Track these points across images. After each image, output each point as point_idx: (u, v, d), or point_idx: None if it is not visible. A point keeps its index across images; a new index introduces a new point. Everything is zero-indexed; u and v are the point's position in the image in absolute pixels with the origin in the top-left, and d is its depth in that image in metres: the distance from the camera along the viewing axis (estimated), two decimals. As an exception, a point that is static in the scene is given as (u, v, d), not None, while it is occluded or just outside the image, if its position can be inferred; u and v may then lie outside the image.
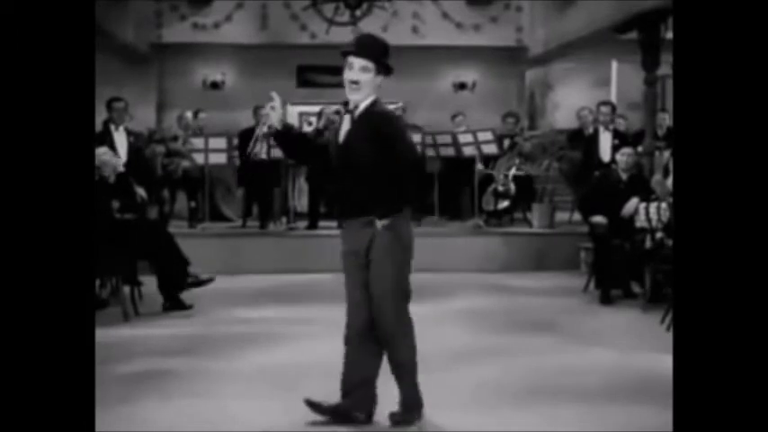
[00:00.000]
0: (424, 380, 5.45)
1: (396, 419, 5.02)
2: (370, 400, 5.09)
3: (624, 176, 9.41)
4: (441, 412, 5.17)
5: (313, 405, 5.08)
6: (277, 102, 5.00)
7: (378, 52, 4.90)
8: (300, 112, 16.56)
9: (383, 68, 4.91)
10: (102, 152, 8.79)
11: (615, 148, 10.12)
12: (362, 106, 4.91)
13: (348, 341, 5.07)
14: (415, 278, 10.12)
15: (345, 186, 4.95)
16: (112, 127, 11.20)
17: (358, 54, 4.86)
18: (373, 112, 4.92)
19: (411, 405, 5.03)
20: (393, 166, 4.75)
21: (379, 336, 4.97)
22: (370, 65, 4.85)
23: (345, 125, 4.98)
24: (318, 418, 5.04)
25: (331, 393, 5.34)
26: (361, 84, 4.85)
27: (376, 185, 4.77)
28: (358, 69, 4.84)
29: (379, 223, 4.78)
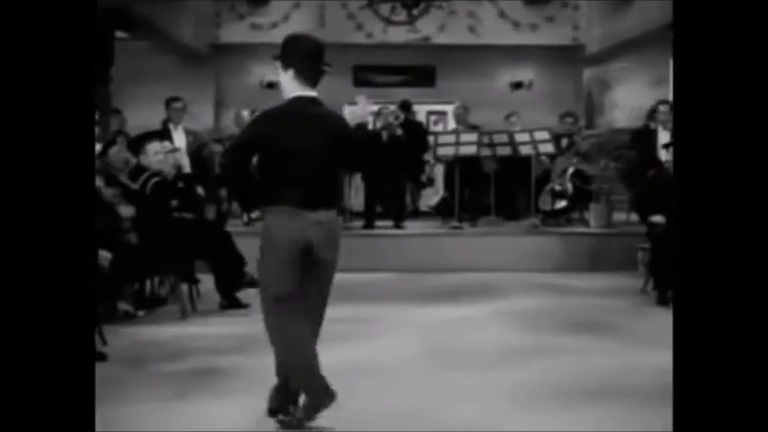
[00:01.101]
0: (479, 378, 5.46)
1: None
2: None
3: (681, 175, 9.29)
4: (495, 411, 5.17)
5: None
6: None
7: (279, 52, 5.16)
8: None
9: (284, 64, 5.10)
10: (160, 149, 8.86)
11: (666, 147, 9.98)
12: None
13: None
14: (472, 278, 10.14)
15: None
16: (171, 126, 11.32)
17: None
18: None
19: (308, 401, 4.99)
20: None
21: None
22: (277, 63, 5.14)
23: None
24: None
25: (386, 390, 5.38)
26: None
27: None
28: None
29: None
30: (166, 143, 9.29)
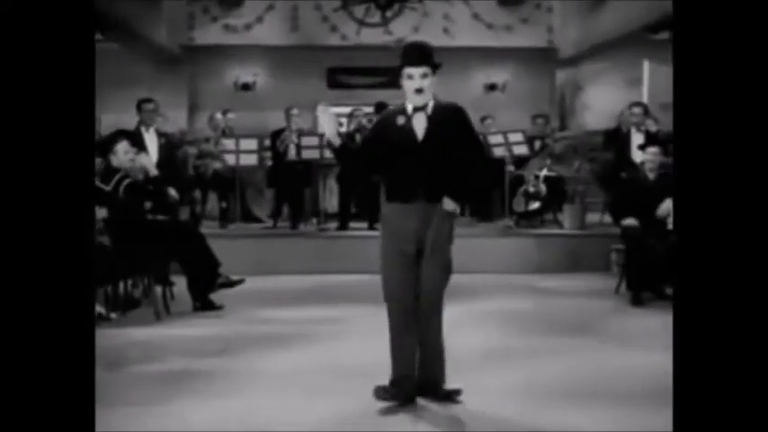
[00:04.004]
0: (464, 380, 5.44)
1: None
2: None
3: (652, 176, 9.33)
4: (474, 412, 5.17)
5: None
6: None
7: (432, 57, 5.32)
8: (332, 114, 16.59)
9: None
10: (128, 153, 8.74)
11: (641, 148, 9.99)
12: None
13: None
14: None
15: None
16: (143, 128, 11.24)
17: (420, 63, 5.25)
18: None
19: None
20: None
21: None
22: (429, 70, 5.28)
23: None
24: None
25: (360, 392, 5.36)
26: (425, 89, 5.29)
27: None
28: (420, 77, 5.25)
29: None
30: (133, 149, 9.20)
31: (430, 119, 5.30)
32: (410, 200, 5.29)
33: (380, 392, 5.25)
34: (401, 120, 5.30)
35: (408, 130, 5.28)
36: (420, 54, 5.25)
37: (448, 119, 5.35)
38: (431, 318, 5.38)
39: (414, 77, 5.20)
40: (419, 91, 5.22)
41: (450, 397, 5.30)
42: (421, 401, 5.33)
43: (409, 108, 5.31)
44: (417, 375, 5.37)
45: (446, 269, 5.47)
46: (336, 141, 5.35)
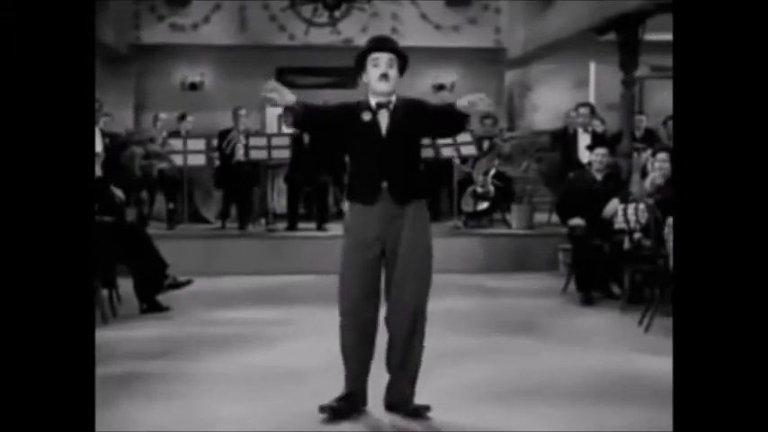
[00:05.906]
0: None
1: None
2: None
3: (599, 177, 9.40)
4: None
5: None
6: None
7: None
8: (279, 114, 16.57)
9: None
10: None
11: (590, 149, 10.07)
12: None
13: None
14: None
15: None
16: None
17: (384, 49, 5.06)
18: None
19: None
20: None
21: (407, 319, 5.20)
22: (395, 59, 5.07)
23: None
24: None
25: (310, 393, 5.34)
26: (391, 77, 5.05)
27: None
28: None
29: None
30: None
31: (392, 114, 5.01)
32: (373, 201, 4.96)
33: (327, 410, 5.07)
34: (367, 116, 5.00)
35: (373, 126, 5.00)
36: (387, 40, 5.11)
37: (411, 112, 5.06)
38: (413, 339, 5.19)
39: (379, 63, 4.94)
40: (384, 76, 4.94)
41: (419, 413, 5.09)
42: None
43: (373, 103, 5.03)
44: (385, 396, 5.22)
45: (428, 280, 5.20)
46: (299, 107, 5.18)
